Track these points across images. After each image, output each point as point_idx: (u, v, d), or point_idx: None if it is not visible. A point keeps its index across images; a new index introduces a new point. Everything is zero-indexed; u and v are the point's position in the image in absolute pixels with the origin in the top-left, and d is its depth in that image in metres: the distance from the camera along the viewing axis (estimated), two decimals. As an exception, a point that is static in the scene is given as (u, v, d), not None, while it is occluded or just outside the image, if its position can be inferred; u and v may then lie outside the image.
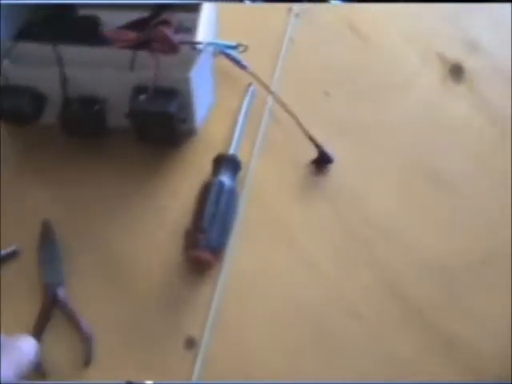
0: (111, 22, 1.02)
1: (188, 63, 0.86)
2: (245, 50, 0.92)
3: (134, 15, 1.00)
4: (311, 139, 0.93)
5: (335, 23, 1.12)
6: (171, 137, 0.94)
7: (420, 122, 1.01)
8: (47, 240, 0.88)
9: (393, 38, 1.11)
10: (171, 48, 0.83)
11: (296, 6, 1.11)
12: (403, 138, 0.99)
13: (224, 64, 1.00)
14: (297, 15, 1.10)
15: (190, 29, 0.92)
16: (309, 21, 1.11)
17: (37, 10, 1.04)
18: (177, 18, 0.97)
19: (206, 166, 0.94)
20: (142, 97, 0.87)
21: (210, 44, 0.87)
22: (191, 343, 0.80)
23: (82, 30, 1.00)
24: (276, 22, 1.10)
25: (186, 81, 0.87)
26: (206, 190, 0.88)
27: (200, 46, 0.85)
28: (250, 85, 0.99)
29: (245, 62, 0.91)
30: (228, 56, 0.93)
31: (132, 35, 0.89)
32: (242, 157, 0.94)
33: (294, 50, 1.06)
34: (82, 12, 1.05)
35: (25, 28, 1.02)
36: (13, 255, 0.87)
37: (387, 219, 0.91)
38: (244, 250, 0.87)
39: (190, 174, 0.95)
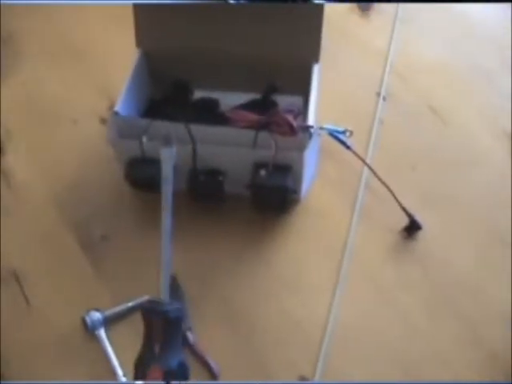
0: (225, 102, 1.19)
1: (303, 144, 0.99)
2: (351, 135, 1.05)
3: (246, 96, 1.16)
4: (403, 209, 1.06)
5: (417, 105, 1.28)
6: (281, 205, 1.09)
7: (493, 192, 1.15)
8: (175, 291, 1.02)
9: (466, 117, 1.26)
10: (292, 132, 0.97)
11: (383, 91, 1.27)
12: (480, 206, 1.12)
13: (323, 140, 1.12)
14: (384, 98, 1.26)
15: (297, 111, 1.07)
16: (394, 103, 1.27)
17: (156, 91, 1.21)
18: (285, 100, 1.14)
19: (308, 229, 1.09)
20: (263, 172, 1.02)
21: (322, 128, 1.02)
22: (304, 380, 0.94)
23: (204, 109, 1.16)
24: (366, 105, 1.26)
25: (300, 159, 1.01)
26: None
27: (313, 130, 0.99)
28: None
29: (348, 143, 1.05)
30: (334, 137, 1.05)
31: (253, 117, 1.03)
32: (342, 223, 1.08)
33: (384, 129, 1.21)
34: (197, 93, 1.22)
35: (148, 106, 1.19)
36: (148, 303, 1.02)
37: (469, 278, 1.04)
38: (346, 303, 1.01)
39: (294, 235, 1.09)
